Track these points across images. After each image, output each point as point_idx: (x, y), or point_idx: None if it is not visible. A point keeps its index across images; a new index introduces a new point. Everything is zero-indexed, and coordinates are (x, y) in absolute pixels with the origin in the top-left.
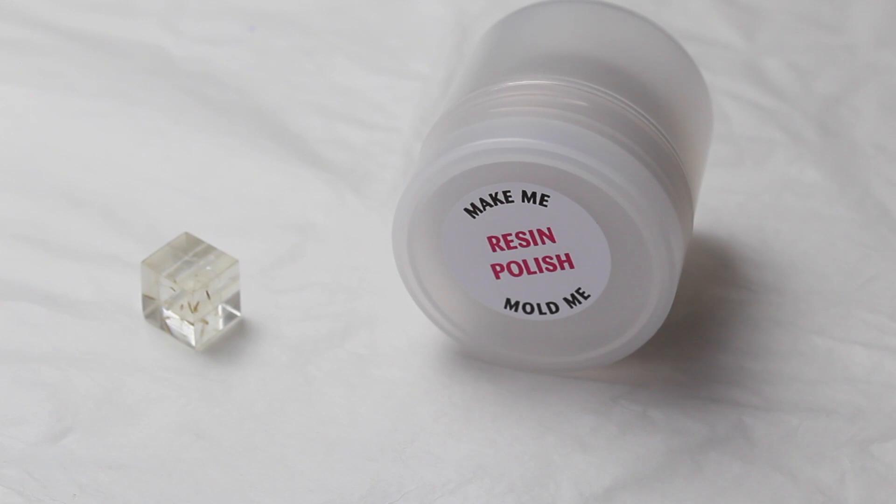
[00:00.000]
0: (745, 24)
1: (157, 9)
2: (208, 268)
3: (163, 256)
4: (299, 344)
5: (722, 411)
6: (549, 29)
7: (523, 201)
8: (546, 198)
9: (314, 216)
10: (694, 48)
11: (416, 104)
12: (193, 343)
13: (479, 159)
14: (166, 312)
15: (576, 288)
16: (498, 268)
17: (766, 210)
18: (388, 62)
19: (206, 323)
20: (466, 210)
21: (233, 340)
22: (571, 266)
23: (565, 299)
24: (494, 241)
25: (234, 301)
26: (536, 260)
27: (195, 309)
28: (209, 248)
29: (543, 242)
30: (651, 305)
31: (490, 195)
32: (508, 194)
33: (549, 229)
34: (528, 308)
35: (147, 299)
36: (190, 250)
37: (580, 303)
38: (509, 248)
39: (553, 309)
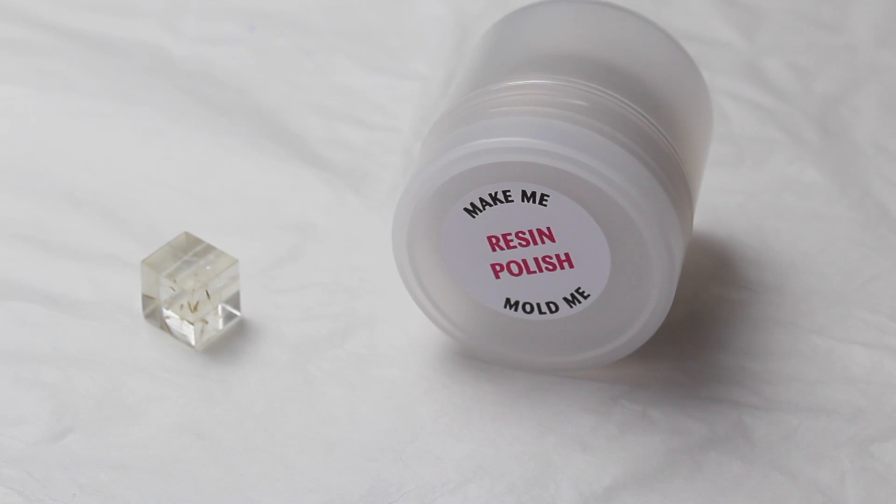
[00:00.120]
0: (745, 24)
1: (157, 9)
2: (208, 267)
3: (163, 256)
4: (299, 344)
5: (722, 411)
6: (549, 29)
7: (523, 201)
8: (546, 197)
9: (314, 216)
10: (694, 48)
11: (416, 104)
12: (193, 343)
13: (479, 159)
14: (166, 312)
15: (575, 288)
16: (498, 267)
17: (765, 210)
18: (388, 62)
19: (206, 323)
20: (466, 210)
21: (233, 340)
22: (571, 266)
23: (565, 299)
24: (494, 240)
25: (234, 301)
26: (536, 259)
27: (195, 309)
28: (209, 248)
29: (543, 242)
30: (651, 305)
31: (490, 195)
32: (508, 194)
33: (548, 229)
34: (527, 308)
35: (147, 299)
36: (190, 250)
37: (580, 302)
38: (509, 247)
39: (553, 309)
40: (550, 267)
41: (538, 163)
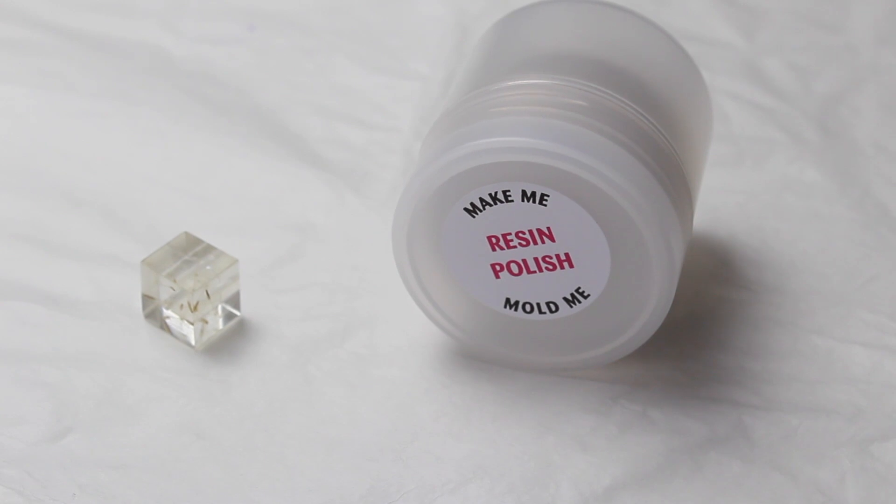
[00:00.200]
0: (745, 24)
1: (157, 9)
2: (208, 267)
3: (162, 256)
4: (299, 344)
5: (722, 411)
6: (549, 28)
7: (523, 201)
8: (546, 197)
9: (314, 216)
10: (694, 48)
11: (416, 104)
12: (193, 342)
13: (479, 159)
14: (166, 312)
15: (575, 287)
16: (497, 267)
17: (765, 210)
18: (388, 62)
19: (206, 322)
20: (466, 210)
21: (233, 340)
22: (571, 265)
23: (565, 299)
24: (494, 240)
25: (234, 301)
26: (536, 259)
27: (195, 308)
28: (209, 248)
29: (543, 242)
30: (651, 305)
31: (490, 195)
32: (508, 194)
33: (548, 229)
34: (527, 307)
35: (147, 299)
36: (190, 250)
37: (580, 302)
38: (509, 247)
39: (553, 308)
40: (550, 267)
41: (538, 163)
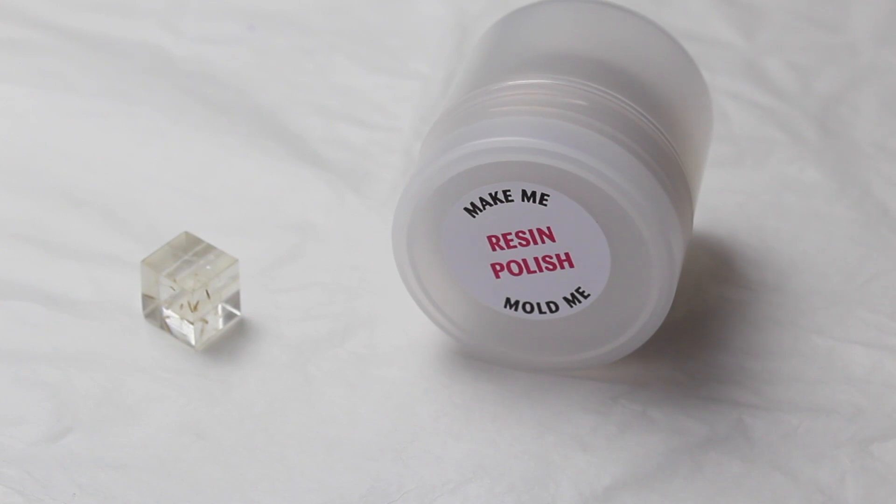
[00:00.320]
0: (745, 24)
1: (157, 9)
2: (208, 267)
3: (162, 256)
4: (299, 344)
5: (722, 411)
6: (549, 28)
7: (523, 200)
8: (546, 197)
9: (314, 216)
10: (694, 48)
11: (416, 104)
12: (193, 342)
13: (479, 159)
14: (166, 312)
15: (575, 287)
16: (498, 267)
17: (765, 209)
18: (388, 62)
19: (206, 322)
20: (466, 209)
21: (233, 340)
22: (571, 265)
23: (565, 298)
24: (494, 240)
25: (234, 300)
26: (536, 259)
27: (195, 308)
28: (209, 248)
29: (543, 242)
30: (651, 305)
31: (490, 194)
32: (508, 193)
33: (548, 228)
34: (527, 307)
35: (147, 299)
36: (190, 249)
37: (580, 302)
38: (509, 247)
39: (553, 308)
40: (550, 266)
41: (538, 162)
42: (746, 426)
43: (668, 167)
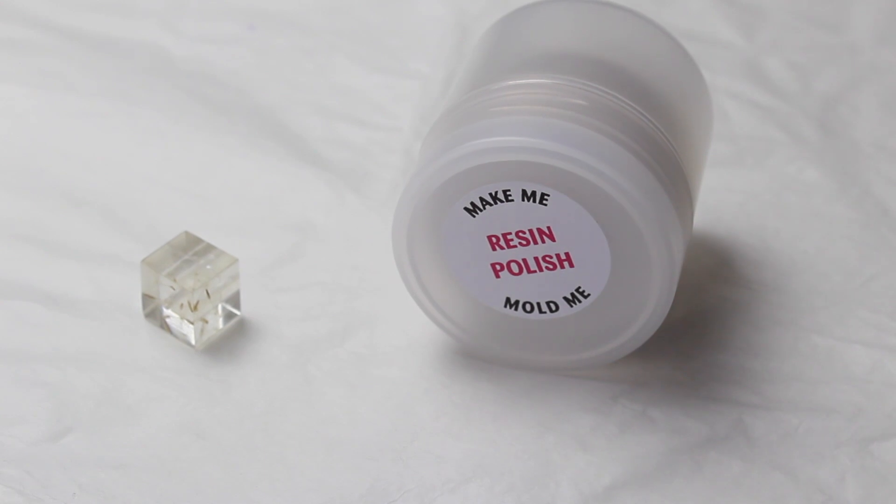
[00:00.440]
0: (746, 24)
1: (157, 9)
2: (208, 266)
3: (162, 255)
4: (299, 344)
5: (722, 410)
6: (549, 28)
7: (523, 200)
8: (546, 197)
9: (314, 216)
10: (694, 47)
11: (416, 104)
12: (193, 342)
13: (479, 158)
14: (166, 311)
15: (576, 287)
16: (498, 267)
17: (766, 209)
18: (388, 62)
19: (206, 322)
20: (466, 209)
21: (233, 340)
22: (571, 265)
23: (565, 298)
24: (494, 240)
25: (234, 300)
26: (536, 259)
27: (195, 308)
28: (209, 247)
29: (543, 241)
30: (651, 305)
31: (490, 194)
32: (508, 193)
33: (548, 228)
34: (527, 307)
35: (147, 298)
36: (190, 249)
37: (580, 302)
38: (509, 247)
39: (553, 308)
40: (550, 266)
41: (538, 162)
42: (746, 426)
43: (669, 167)
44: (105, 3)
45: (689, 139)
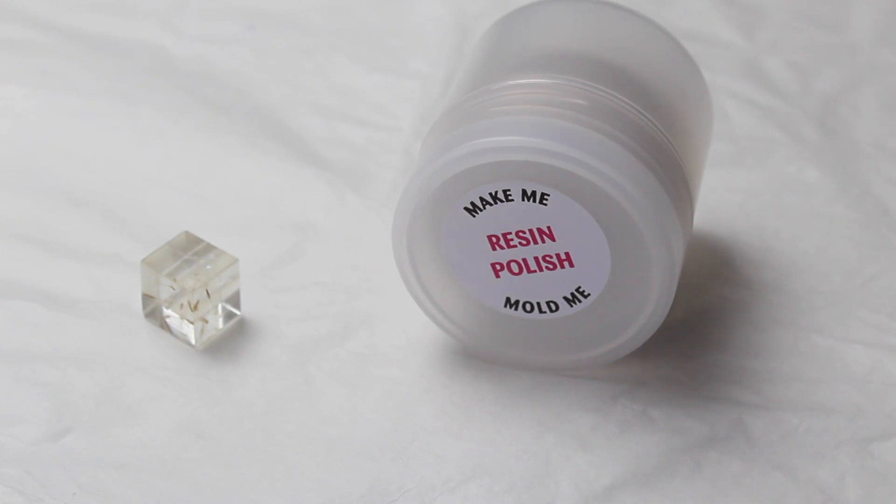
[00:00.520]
0: (746, 24)
1: (157, 9)
2: (208, 266)
3: (162, 255)
4: (299, 343)
5: (722, 410)
6: (549, 28)
7: (523, 200)
8: (546, 196)
9: (314, 216)
10: (694, 47)
11: (416, 104)
12: (193, 342)
13: (479, 158)
14: (166, 311)
15: (576, 287)
16: (498, 266)
17: (766, 209)
18: (388, 62)
19: (206, 322)
20: (466, 209)
21: (233, 340)
22: (571, 265)
23: (565, 298)
24: (494, 239)
25: (234, 300)
26: (536, 259)
27: (195, 308)
28: (209, 247)
29: (543, 241)
30: (651, 304)
31: (490, 194)
32: (508, 193)
33: (548, 228)
34: (527, 307)
35: (147, 298)
36: (190, 249)
37: (580, 301)
38: (509, 246)
39: (553, 308)
40: (551, 266)
41: (538, 162)
42: (746, 426)
43: (669, 167)
44: (105, 3)
45: (689, 139)
